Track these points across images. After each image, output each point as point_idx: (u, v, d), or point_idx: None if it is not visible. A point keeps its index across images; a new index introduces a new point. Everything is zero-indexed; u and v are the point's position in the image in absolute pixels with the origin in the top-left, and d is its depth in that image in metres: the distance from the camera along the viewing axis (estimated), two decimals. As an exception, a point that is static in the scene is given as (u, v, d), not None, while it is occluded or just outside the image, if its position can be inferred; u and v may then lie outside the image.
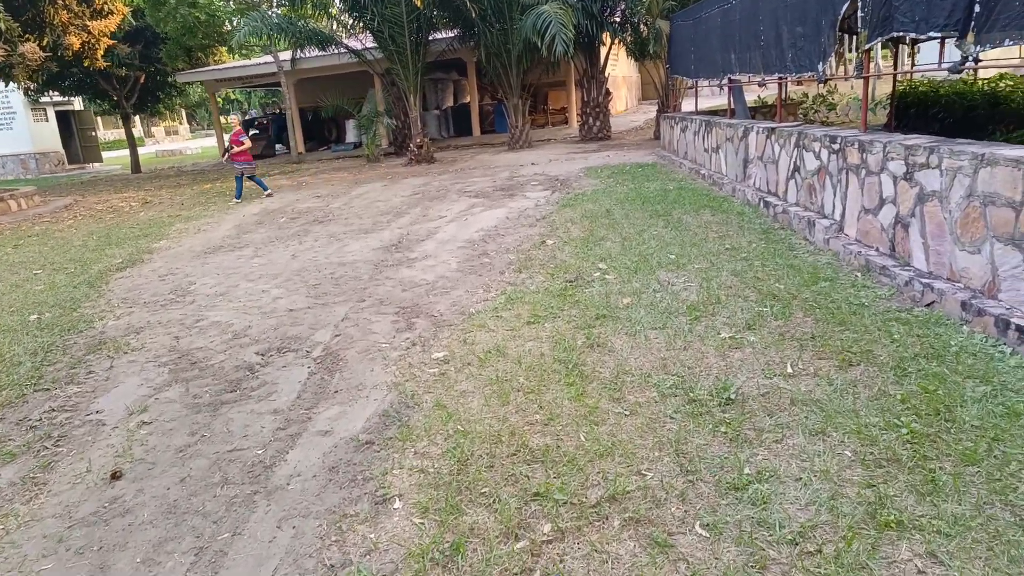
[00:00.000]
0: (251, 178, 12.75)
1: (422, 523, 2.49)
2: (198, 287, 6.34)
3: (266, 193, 12.61)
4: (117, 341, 4.87)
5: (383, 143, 18.93)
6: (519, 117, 16.35)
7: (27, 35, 10.76)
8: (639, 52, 15.82)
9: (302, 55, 18.07)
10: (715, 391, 3.25)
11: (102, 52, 12.99)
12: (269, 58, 19.58)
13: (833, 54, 6.06)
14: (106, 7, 12.47)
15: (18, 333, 5.27)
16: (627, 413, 3.16)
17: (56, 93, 22.45)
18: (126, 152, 22.92)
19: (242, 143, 12.35)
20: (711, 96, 19.23)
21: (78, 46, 11.97)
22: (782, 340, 3.73)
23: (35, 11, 10.90)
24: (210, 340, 4.77)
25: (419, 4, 13.35)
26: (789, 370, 3.37)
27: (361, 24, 16.06)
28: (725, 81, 9.51)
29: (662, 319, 4.25)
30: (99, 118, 38.95)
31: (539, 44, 12.88)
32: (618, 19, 15.79)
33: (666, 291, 4.77)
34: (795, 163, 6.36)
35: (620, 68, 24.73)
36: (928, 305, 3.94)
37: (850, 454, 2.63)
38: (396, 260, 6.63)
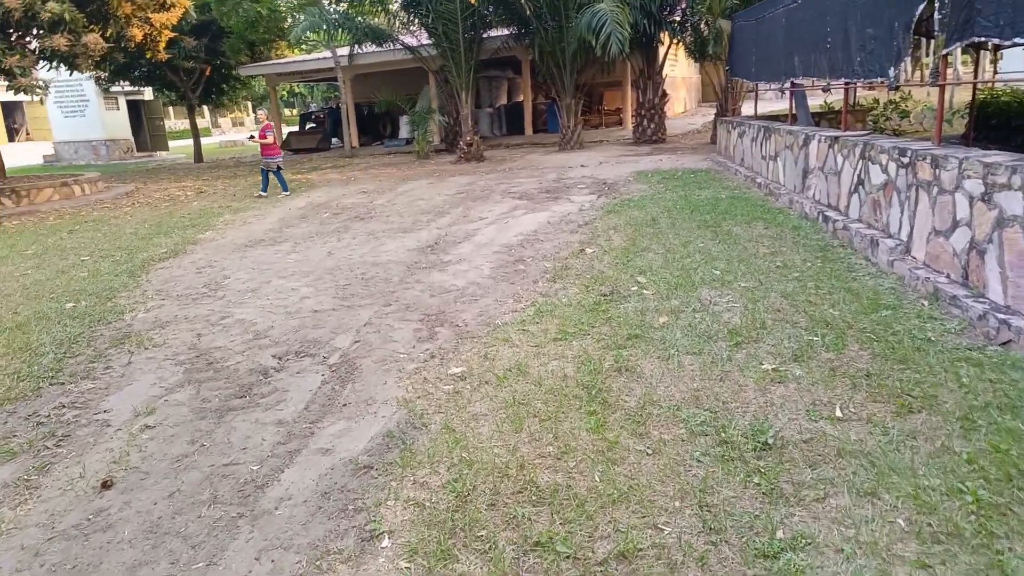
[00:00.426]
0: (262, 172, 12.52)
1: (408, 568, 2.27)
2: (231, 282, 6.30)
3: (258, 194, 12.38)
4: (141, 335, 4.83)
5: (435, 140, 18.91)
6: (571, 117, 16.01)
7: (92, 26, 11.06)
8: (699, 53, 15.27)
9: (359, 51, 18.20)
10: (751, 433, 2.91)
11: (164, 44, 13.30)
12: (328, 53, 19.80)
13: (907, 59, 5.56)
14: (168, 0, 12.76)
15: (51, 321, 5.31)
16: (649, 452, 2.86)
17: (127, 83, 23.23)
18: (192, 141, 23.57)
19: (266, 137, 12.34)
20: (773, 100, 18.48)
21: (140, 38, 12.26)
22: (832, 376, 3.36)
23: (99, 2, 11.20)
24: (231, 339, 4.67)
25: (472, 1, 13.17)
26: (838, 413, 3.01)
27: (416, 20, 16.03)
28: (787, 85, 8.99)
29: (699, 343, 3.91)
30: (170, 108, 40.43)
31: (593, 43, 12.52)
32: (678, 18, 15.28)
33: (707, 311, 4.42)
34: (859, 176, 5.88)
35: (680, 69, 24.09)
36: (1004, 344, 3.49)
37: (903, 523, 2.27)
38: (429, 262, 6.45)
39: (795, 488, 2.52)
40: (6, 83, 10.75)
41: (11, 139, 41.57)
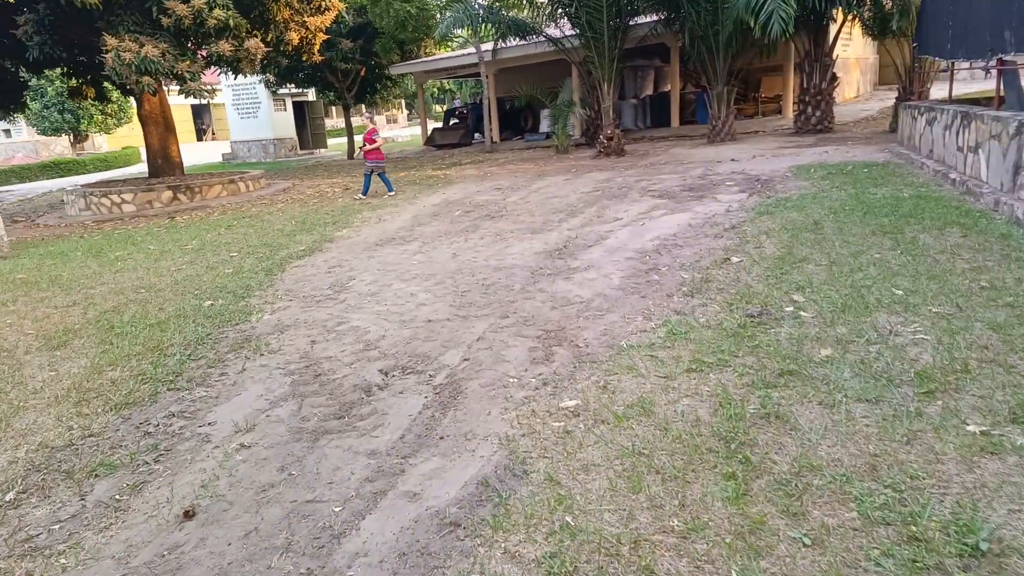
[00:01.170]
0: (380, 176, 12.66)
1: None
2: (355, 284, 6.24)
3: (389, 194, 12.50)
4: (259, 340, 4.81)
5: (575, 133, 18.41)
6: (722, 106, 14.79)
7: (255, 31, 11.77)
8: (878, 29, 13.47)
9: (502, 45, 18.09)
10: (954, 528, 2.16)
11: (318, 47, 13.91)
12: (472, 49, 19.95)
13: None
14: (323, 3, 13.32)
15: (187, 320, 5.47)
16: (807, 542, 2.20)
17: (292, 85, 24.91)
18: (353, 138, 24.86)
19: (374, 141, 12.47)
20: (968, 80, 16.02)
21: (297, 41, 12.90)
22: (1074, 453, 2.47)
23: (261, 8, 11.89)
24: (342, 349, 4.51)
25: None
26: (1088, 513, 2.16)
27: (559, 10, 15.58)
28: (993, 62, 7.49)
29: (875, 388, 3.12)
30: (332, 108, 43.28)
31: (752, 24, 11.36)
32: (854, -9, 13.53)
33: (885, 343, 3.58)
34: (1100, 173, 4.61)
35: (853, 48, 21.68)
36: None
37: None
38: (555, 269, 5.99)
39: (1027, 630, 1.77)
40: (177, 87, 11.74)
41: (199, 139, 46.75)
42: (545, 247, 6.86)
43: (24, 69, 13.38)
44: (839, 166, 9.46)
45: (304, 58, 14.01)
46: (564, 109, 16.91)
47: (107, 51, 10.14)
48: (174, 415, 3.69)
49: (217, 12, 10.46)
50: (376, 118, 14.35)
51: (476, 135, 23.61)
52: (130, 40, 10.21)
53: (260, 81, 22.69)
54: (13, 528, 2.77)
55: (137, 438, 3.46)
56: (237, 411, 3.68)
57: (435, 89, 52.49)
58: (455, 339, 4.48)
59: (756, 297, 4.54)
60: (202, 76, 11.59)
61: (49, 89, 30.28)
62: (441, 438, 3.18)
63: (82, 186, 15.61)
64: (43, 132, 33.59)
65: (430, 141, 23.75)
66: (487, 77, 19.60)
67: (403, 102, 56.12)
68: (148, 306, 6.05)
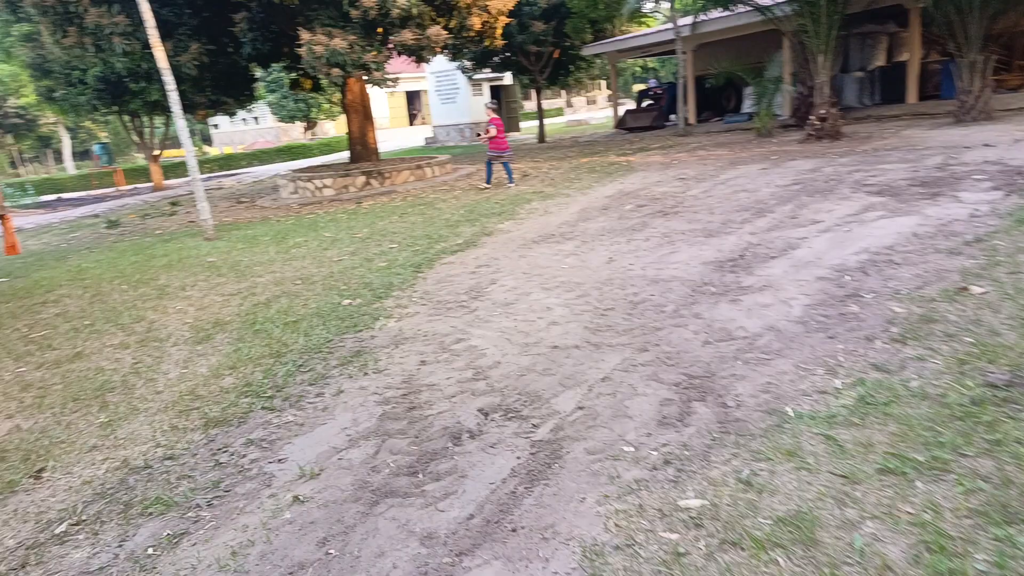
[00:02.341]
0: (503, 165, 12.63)
1: None
2: (494, 289, 5.69)
3: (509, 185, 12.35)
4: (370, 355, 4.42)
5: (784, 113, 16.28)
6: (975, 78, 11.96)
7: (437, 18, 11.77)
8: None
9: (703, 18, 16.53)
10: None
11: (500, 31, 13.62)
12: (669, 25, 18.54)
13: None
14: (505, -13, 12.96)
15: (321, 320, 5.32)
16: None
17: (488, 70, 25.25)
18: (545, 121, 24.72)
19: (489, 131, 12.47)
20: None
21: (479, 26, 12.69)
22: None
23: (444, -6, 11.85)
24: (448, 375, 3.96)
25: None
26: None
27: (769, -28, 13.71)
28: None
29: None
30: (532, 91, 43.75)
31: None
32: None
33: None
34: None
35: None
36: None
37: None
38: (722, 286, 4.91)
39: None
40: (365, 77, 12.13)
41: (411, 123, 49.99)
42: (717, 255, 5.76)
43: (248, 63, 14.74)
44: None
45: (487, 43, 13.81)
46: (769, 86, 14.96)
47: (301, 45, 10.69)
48: (252, 443, 3.39)
49: (401, 1, 10.51)
50: (575, 99, 14.22)
51: (672, 117, 22.08)
52: (321, 33, 10.65)
53: (457, 67, 23.26)
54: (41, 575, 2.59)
55: (207, 468, 3.20)
56: (312, 447, 3.29)
57: (637, 68, 50.69)
58: (577, 375, 3.71)
59: (1004, 354, 3.18)
60: (386, 66, 11.82)
61: (285, 80, 34.00)
62: (514, 529, 2.46)
63: (292, 171, 17.07)
64: (282, 119, 38.03)
65: (621, 124, 22.70)
66: (684, 54, 18.07)
67: (603, 83, 55.12)
68: (296, 300, 6.06)
